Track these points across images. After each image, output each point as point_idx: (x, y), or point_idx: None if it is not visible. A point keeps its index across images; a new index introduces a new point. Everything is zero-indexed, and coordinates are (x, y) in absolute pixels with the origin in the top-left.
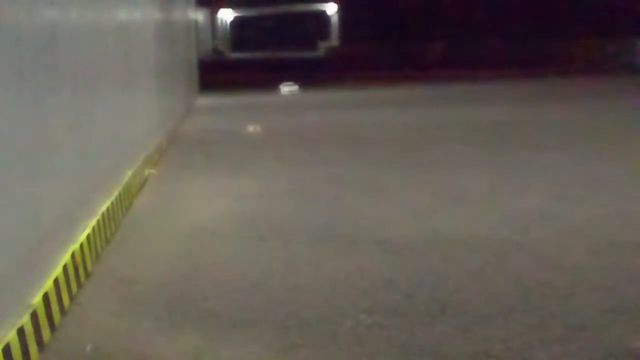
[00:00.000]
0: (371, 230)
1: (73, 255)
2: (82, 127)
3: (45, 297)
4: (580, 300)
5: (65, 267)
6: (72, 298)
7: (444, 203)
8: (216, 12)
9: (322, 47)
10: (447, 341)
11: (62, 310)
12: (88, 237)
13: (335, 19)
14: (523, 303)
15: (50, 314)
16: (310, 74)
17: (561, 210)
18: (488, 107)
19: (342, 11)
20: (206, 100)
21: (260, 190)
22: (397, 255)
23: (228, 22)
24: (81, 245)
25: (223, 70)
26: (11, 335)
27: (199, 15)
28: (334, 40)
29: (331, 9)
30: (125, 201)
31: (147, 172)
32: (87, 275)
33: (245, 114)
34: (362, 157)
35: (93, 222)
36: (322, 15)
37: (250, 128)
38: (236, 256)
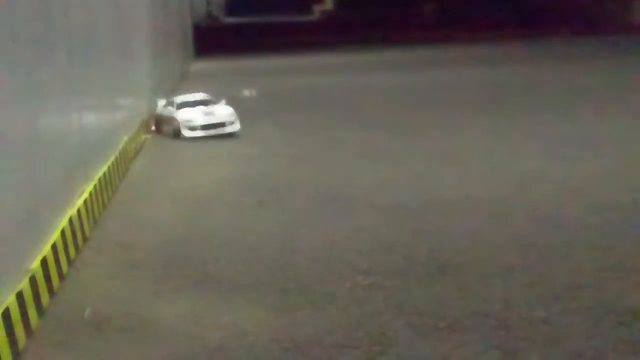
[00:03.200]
0: (369, 193)
1: (71, 220)
2: (78, 93)
3: (44, 262)
4: (579, 258)
5: (63, 232)
6: (70, 262)
7: (442, 165)
8: None
9: (317, 11)
10: (445, 301)
11: (61, 275)
12: (85, 202)
13: None
14: (522, 262)
15: (49, 278)
16: (305, 38)
17: (558, 170)
18: (482, 68)
19: None
20: (201, 65)
21: (257, 154)
22: (395, 217)
23: None
24: (78, 210)
25: (217, 35)
26: (10, 300)
27: None
28: (328, 3)
29: None
30: (121, 166)
31: (143, 137)
32: (85, 239)
33: (240, 78)
34: (358, 120)
35: (90, 188)
36: None
37: (246, 92)
38: (235, 220)
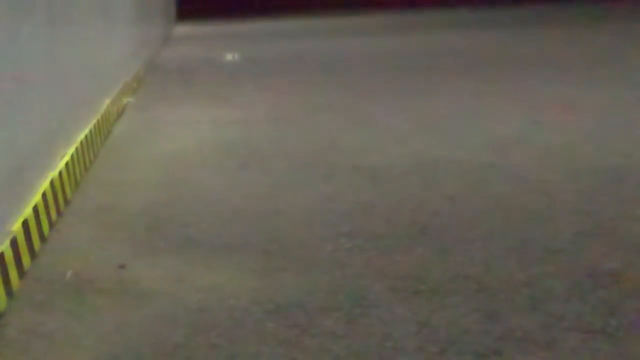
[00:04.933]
0: (351, 156)
1: (52, 183)
2: (58, 55)
3: (25, 224)
4: (559, 223)
5: (44, 195)
6: (52, 225)
7: (424, 129)
8: None
9: None
10: (426, 264)
11: (42, 238)
12: (67, 165)
13: None
14: (502, 226)
15: (30, 240)
16: (281, 2)
17: (540, 135)
18: (466, 33)
19: None
20: (184, 29)
21: (239, 118)
22: (377, 181)
23: None
24: (60, 173)
25: None
26: None
27: None
28: None
29: None
30: (103, 129)
31: (125, 100)
32: (67, 202)
33: (223, 42)
34: (340, 84)
35: (71, 150)
36: None
37: (229, 56)
38: (217, 183)
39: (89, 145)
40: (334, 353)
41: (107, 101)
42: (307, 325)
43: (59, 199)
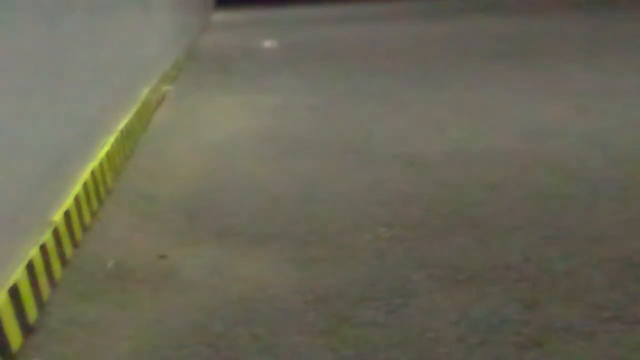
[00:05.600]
0: (390, 144)
1: (92, 173)
2: (99, 44)
3: (67, 214)
4: (600, 211)
5: (85, 185)
6: (93, 214)
7: (463, 116)
8: None
9: None
10: (466, 254)
11: (84, 227)
12: (107, 154)
13: None
14: (543, 215)
15: (72, 230)
16: None
17: (580, 122)
18: (498, 18)
19: None
20: (222, 16)
21: (279, 105)
22: (416, 169)
23: None
24: (101, 163)
25: None
26: (34, 252)
27: None
28: None
29: None
30: (143, 118)
31: (164, 88)
32: (108, 192)
33: (261, 29)
34: (379, 71)
35: (112, 140)
36: None
37: (267, 43)
38: (256, 172)
39: (129, 134)
40: (374, 344)
41: (147, 90)
42: (348, 315)
43: (100, 188)
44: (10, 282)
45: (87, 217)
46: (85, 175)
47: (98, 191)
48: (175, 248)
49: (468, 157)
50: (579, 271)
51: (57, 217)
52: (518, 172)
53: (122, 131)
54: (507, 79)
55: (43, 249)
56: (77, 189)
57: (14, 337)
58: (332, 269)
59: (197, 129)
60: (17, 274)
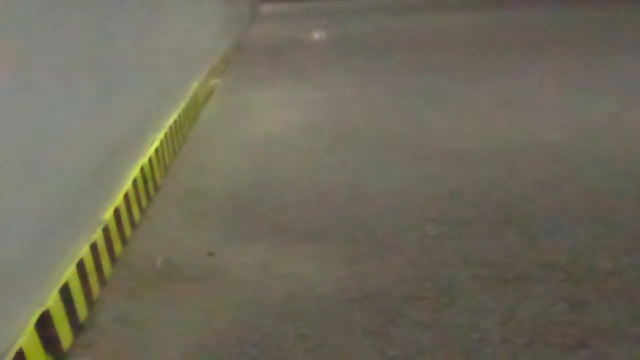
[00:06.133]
0: (437, 139)
1: (142, 170)
2: (148, 40)
3: (116, 212)
4: None
5: (134, 182)
6: (142, 211)
7: (511, 110)
8: None
9: None
10: (513, 252)
11: (133, 224)
12: (156, 150)
13: None
14: (591, 212)
15: (122, 227)
16: None
17: (632, 116)
18: (545, 8)
19: None
20: (270, 7)
21: (326, 99)
22: (463, 164)
23: None
24: (150, 159)
25: None
26: (85, 251)
27: None
28: None
29: None
30: (192, 113)
31: (213, 82)
32: (156, 188)
33: (309, 20)
34: (427, 63)
35: (161, 136)
36: None
37: (315, 35)
38: (304, 167)
39: (177, 129)
40: (421, 344)
41: (196, 84)
42: (394, 315)
43: (149, 185)
44: (62, 282)
45: (136, 214)
46: (134, 172)
47: (147, 188)
48: (223, 245)
49: (515, 152)
50: (627, 271)
51: (107, 215)
52: (566, 167)
53: (171, 127)
54: (553, 70)
55: (93, 247)
56: (127, 186)
57: (65, 335)
58: (379, 267)
59: (245, 124)
60: (68, 273)
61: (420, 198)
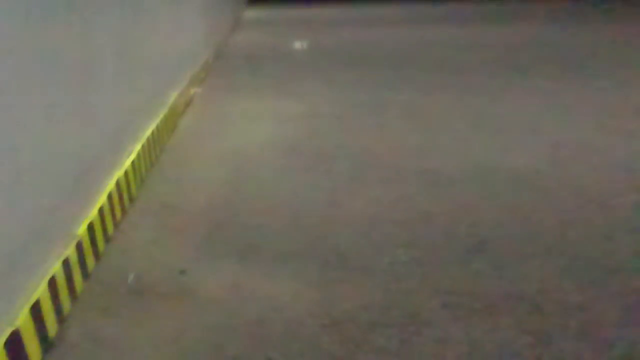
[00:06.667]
0: (412, 159)
1: (118, 183)
2: (128, 48)
3: (90, 226)
4: (618, 241)
5: (110, 195)
6: (116, 225)
7: (485, 132)
8: None
9: None
10: (482, 280)
11: (107, 238)
12: (133, 163)
13: None
14: (560, 242)
15: (95, 243)
16: None
17: (605, 143)
18: (523, 26)
19: None
20: (254, 13)
21: (304, 113)
22: (437, 187)
23: None
24: (126, 172)
25: None
26: (56, 268)
27: None
28: None
29: None
30: (170, 123)
31: (192, 91)
32: (132, 200)
33: (291, 29)
34: (406, 78)
35: (138, 147)
36: None
37: (297, 44)
38: (279, 184)
39: (155, 140)
40: None
41: (175, 94)
42: (361, 341)
43: (124, 197)
44: (33, 299)
45: (110, 228)
46: (110, 185)
47: (122, 201)
48: (195, 263)
49: (490, 176)
50: (593, 304)
51: (82, 230)
52: (538, 194)
53: (149, 138)
54: (531, 91)
55: (66, 263)
56: (102, 199)
57: (34, 352)
58: (349, 292)
59: (223, 136)
60: (40, 290)
61: (393, 221)
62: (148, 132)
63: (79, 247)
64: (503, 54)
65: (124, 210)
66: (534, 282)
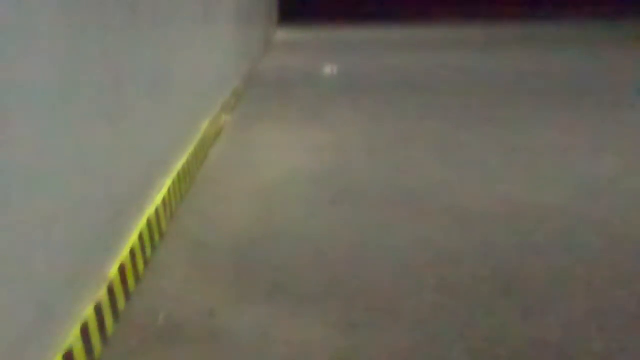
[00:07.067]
0: (440, 195)
1: (149, 220)
2: (162, 82)
3: (122, 267)
4: None
5: (141, 234)
6: (146, 263)
7: (514, 166)
8: None
9: None
10: (507, 326)
11: (137, 278)
12: (164, 198)
13: None
14: (586, 285)
15: (126, 283)
16: (392, 8)
17: (631, 182)
18: (564, 52)
19: None
20: (284, 35)
21: (333, 143)
22: (464, 225)
23: None
24: (157, 209)
25: (303, 0)
26: (89, 312)
27: None
28: None
29: None
30: (201, 154)
31: (223, 119)
32: (162, 236)
33: (322, 52)
34: (435, 110)
35: (169, 182)
36: None
37: (327, 69)
38: (306, 220)
39: (186, 173)
40: None
41: (207, 123)
42: None
43: (154, 235)
44: (66, 346)
45: (140, 267)
46: (141, 224)
47: (153, 238)
48: (224, 304)
49: (517, 213)
50: (618, 353)
51: (113, 271)
52: (565, 235)
53: (179, 172)
54: (561, 124)
55: (98, 306)
56: (132, 239)
57: None
58: (374, 336)
59: (253, 167)
60: (72, 337)
61: (421, 261)
62: (179, 165)
63: (111, 289)
64: (524, 83)
65: (154, 247)
66: (559, 328)
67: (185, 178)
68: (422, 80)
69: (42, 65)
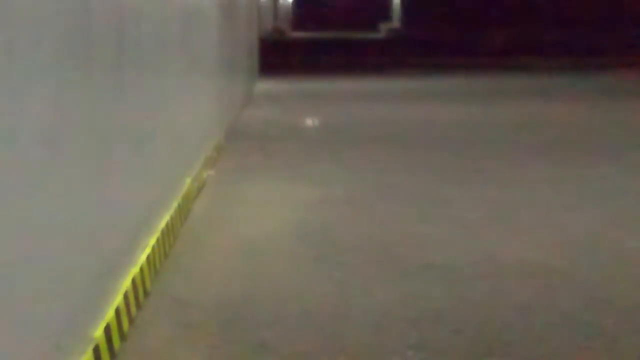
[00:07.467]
0: (423, 252)
1: (133, 280)
2: (146, 139)
3: (107, 328)
4: (624, 344)
5: (125, 294)
6: (131, 321)
7: (497, 221)
8: None
9: (384, 29)
10: None
11: (122, 337)
12: (148, 257)
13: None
14: (568, 345)
15: (111, 342)
16: (372, 58)
17: (617, 238)
18: (554, 103)
19: None
20: (265, 85)
21: (316, 199)
22: (447, 282)
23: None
24: (141, 268)
25: (283, 52)
26: None
27: None
28: (395, 21)
29: None
30: (184, 211)
31: (205, 174)
32: (146, 294)
33: (303, 104)
34: (418, 163)
35: (153, 240)
36: None
37: (309, 122)
38: (291, 277)
39: (169, 231)
40: None
41: (189, 179)
42: None
43: (139, 293)
44: None
45: (125, 326)
46: (126, 283)
47: (137, 297)
48: None
49: (500, 270)
50: None
51: (98, 332)
52: (547, 292)
53: (163, 230)
54: (546, 180)
55: None
56: (118, 299)
57: None
58: None
59: (236, 223)
60: None
61: (403, 320)
62: (163, 223)
63: (96, 350)
64: (521, 133)
65: (139, 306)
66: None
67: (169, 235)
68: (403, 132)
69: (27, 124)
